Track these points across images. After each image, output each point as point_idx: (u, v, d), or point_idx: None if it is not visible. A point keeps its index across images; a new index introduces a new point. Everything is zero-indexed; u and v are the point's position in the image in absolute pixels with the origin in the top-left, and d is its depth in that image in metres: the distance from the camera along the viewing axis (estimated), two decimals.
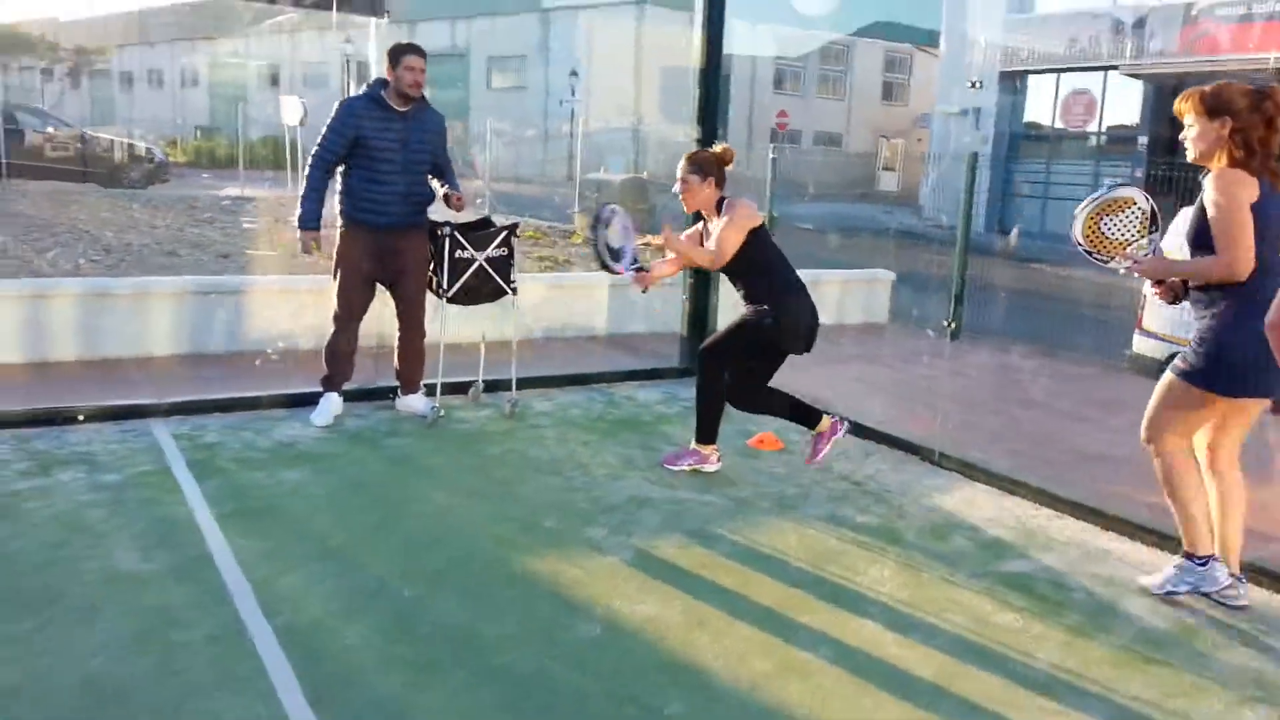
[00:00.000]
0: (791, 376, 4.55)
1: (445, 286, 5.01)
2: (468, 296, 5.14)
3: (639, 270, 4.46)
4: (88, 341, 6.02)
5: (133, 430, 4.67)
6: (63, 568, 3.25)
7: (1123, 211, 3.41)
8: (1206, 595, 3.43)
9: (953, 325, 6.06)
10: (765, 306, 4.29)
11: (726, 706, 2.72)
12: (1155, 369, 8.28)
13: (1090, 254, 3.45)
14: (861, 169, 35.79)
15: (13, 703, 2.54)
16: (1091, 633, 3.25)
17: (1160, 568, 3.75)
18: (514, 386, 5.43)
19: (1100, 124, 21.90)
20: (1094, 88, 21.68)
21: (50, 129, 18.10)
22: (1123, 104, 21.38)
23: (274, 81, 37.55)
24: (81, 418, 4.73)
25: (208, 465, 4.26)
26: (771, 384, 4.50)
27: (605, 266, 4.49)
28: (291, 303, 6.59)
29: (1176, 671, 3.03)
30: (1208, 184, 3.21)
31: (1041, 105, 23.10)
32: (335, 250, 4.92)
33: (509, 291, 5.22)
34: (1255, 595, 3.58)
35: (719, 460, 4.57)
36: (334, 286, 4.95)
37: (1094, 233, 3.44)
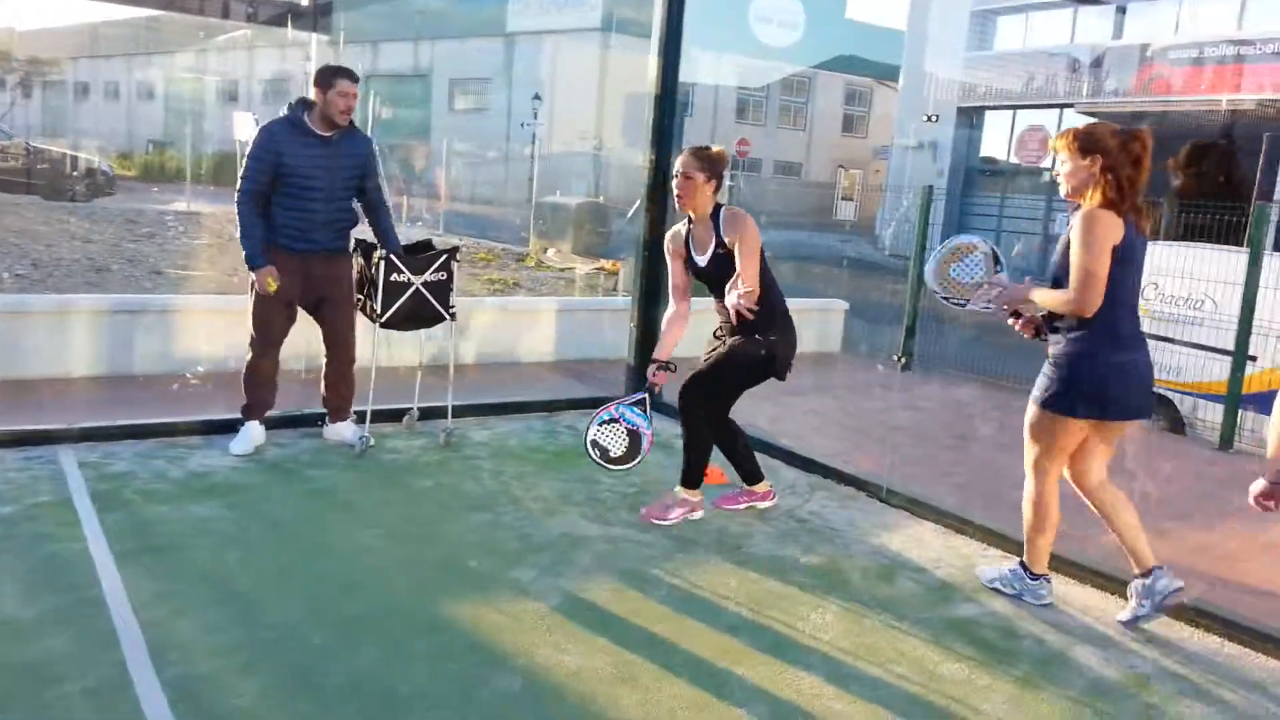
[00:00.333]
0: (744, 405, 4.38)
1: (380, 311, 4.79)
2: (404, 322, 4.92)
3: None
4: (3, 361, 5.70)
5: (38, 457, 4.38)
6: None
7: (967, 256, 3.70)
8: (1021, 599, 3.67)
9: (903, 358, 5.95)
10: (757, 334, 4.06)
11: None
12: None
13: (947, 299, 3.76)
14: (820, 198, 36.04)
15: None
16: (1040, 684, 3.09)
17: (1110, 612, 3.65)
18: (450, 415, 5.20)
19: (1054, 162, 22.20)
20: (1049, 125, 22.02)
21: None
22: None
23: (232, 97, 37.06)
24: None
25: (112, 497, 3.99)
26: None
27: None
28: (219, 323, 6.31)
29: None
30: (1076, 221, 3.34)
31: (997, 140, 23.43)
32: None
33: (447, 317, 5.01)
34: (1204, 642, 3.47)
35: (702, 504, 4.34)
36: (249, 309, 4.71)
37: (946, 279, 3.73)
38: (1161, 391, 7.57)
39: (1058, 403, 3.41)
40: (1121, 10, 21.90)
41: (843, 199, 36.42)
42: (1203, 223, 12.42)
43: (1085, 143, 3.34)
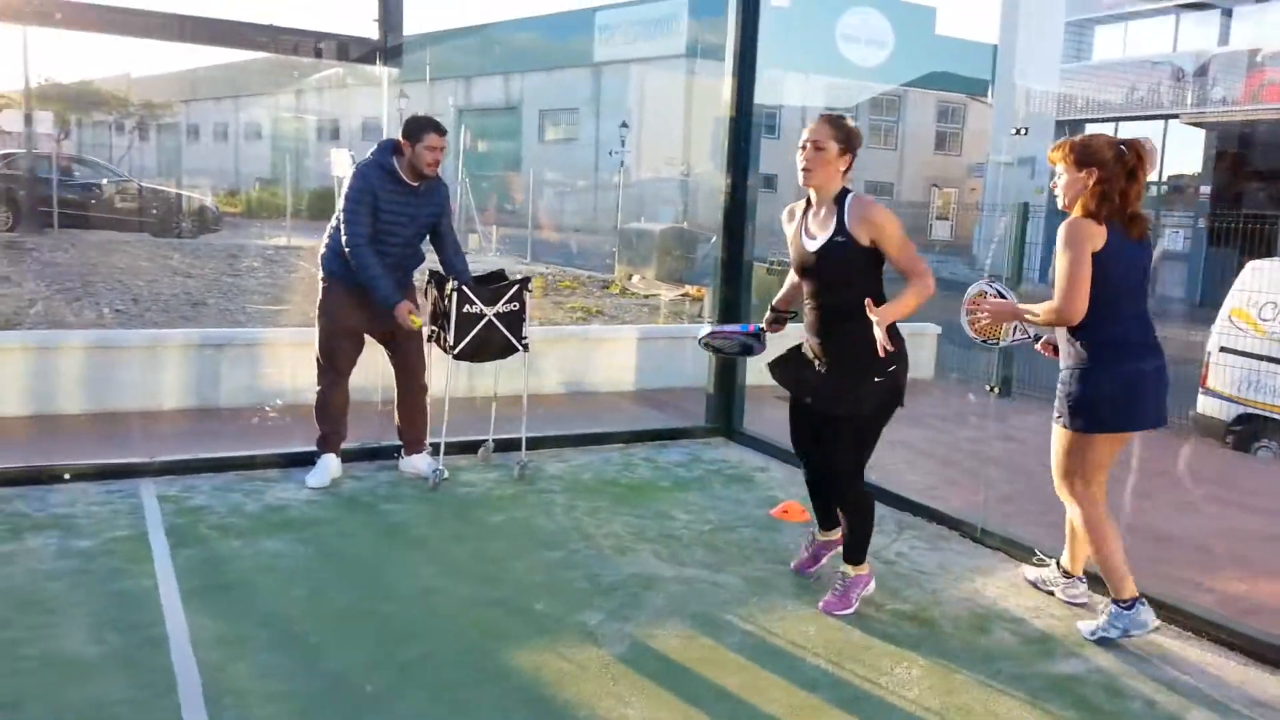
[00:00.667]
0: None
1: (452, 343, 4.75)
2: (476, 353, 4.87)
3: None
4: (94, 395, 5.86)
5: (120, 491, 4.44)
6: None
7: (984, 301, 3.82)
8: (1130, 635, 3.44)
9: (996, 386, 5.64)
10: (877, 370, 3.39)
11: None
12: (1221, 431, 7.77)
13: (985, 342, 3.93)
14: (914, 218, 35.26)
15: None
16: None
17: (1230, 671, 3.31)
18: (524, 446, 5.12)
19: (1161, 174, 21.26)
20: (1154, 136, 21.09)
21: (104, 180, 18.47)
22: (1184, 153, 20.76)
23: (335, 135, 38.36)
24: (67, 476, 4.51)
25: (187, 532, 4.00)
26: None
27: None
28: (304, 355, 6.36)
29: None
30: (1060, 232, 3.35)
31: None
32: (318, 303, 4.70)
33: (520, 348, 4.94)
34: None
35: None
36: (316, 341, 4.72)
37: (972, 326, 3.92)
38: None
39: (1081, 421, 3.40)
40: (1227, 14, 20.90)
41: (937, 218, 35.60)
42: None
43: (1082, 155, 3.35)
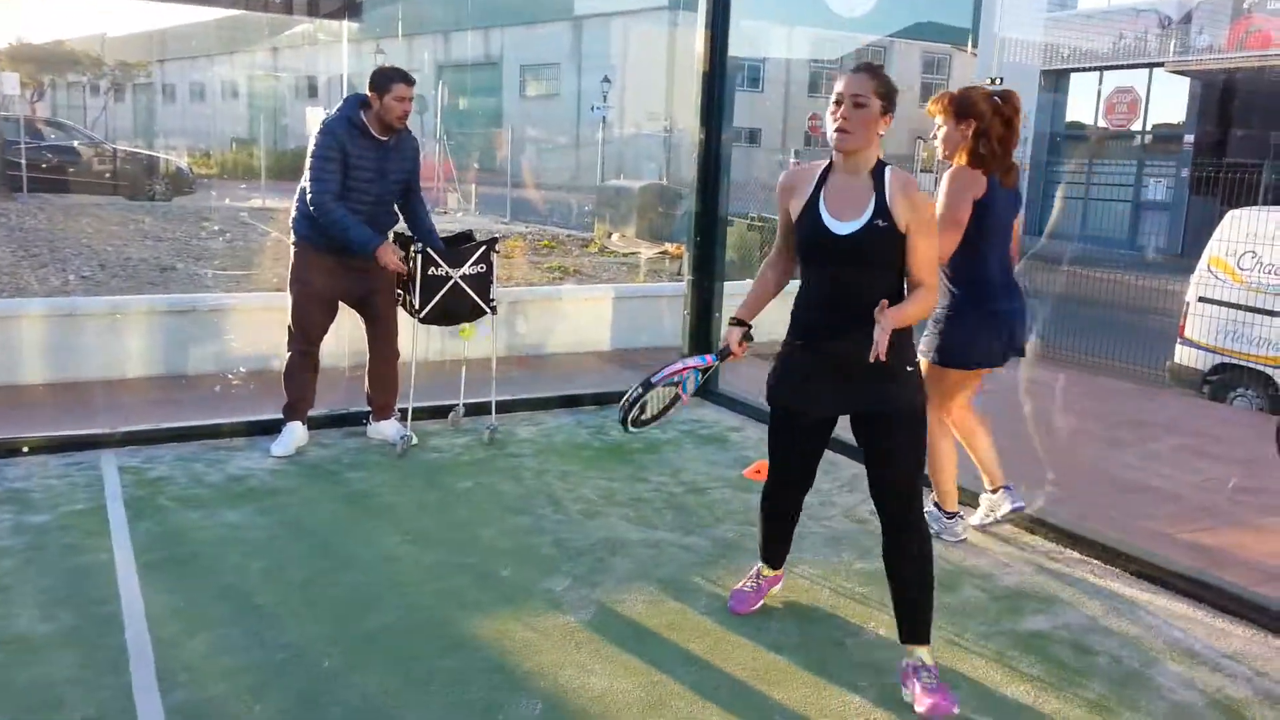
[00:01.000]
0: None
1: (418, 306, 4.65)
2: (442, 317, 4.78)
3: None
4: (57, 364, 5.75)
5: (80, 463, 4.36)
6: None
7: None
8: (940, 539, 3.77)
9: None
10: (909, 365, 2.87)
11: None
12: (1198, 381, 7.77)
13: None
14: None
15: None
16: (1115, 709, 2.79)
17: (1196, 619, 3.31)
18: (494, 411, 5.05)
19: (1145, 123, 21.13)
20: (1139, 86, 20.92)
21: (76, 143, 18.13)
22: (1168, 102, 20.61)
23: (312, 93, 37.72)
24: (26, 449, 4.43)
25: (146, 504, 3.93)
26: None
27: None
28: (273, 320, 6.26)
29: None
30: (944, 178, 3.56)
31: (1084, 104, 22.37)
32: (290, 268, 4.58)
33: (488, 310, 4.85)
34: None
35: None
36: (288, 306, 4.61)
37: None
38: (1259, 368, 7.03)
39: (938, 355, 3.67)
40: None
41: (921, 171, 35.41)
42: None
43: (960, 107, 3.51)
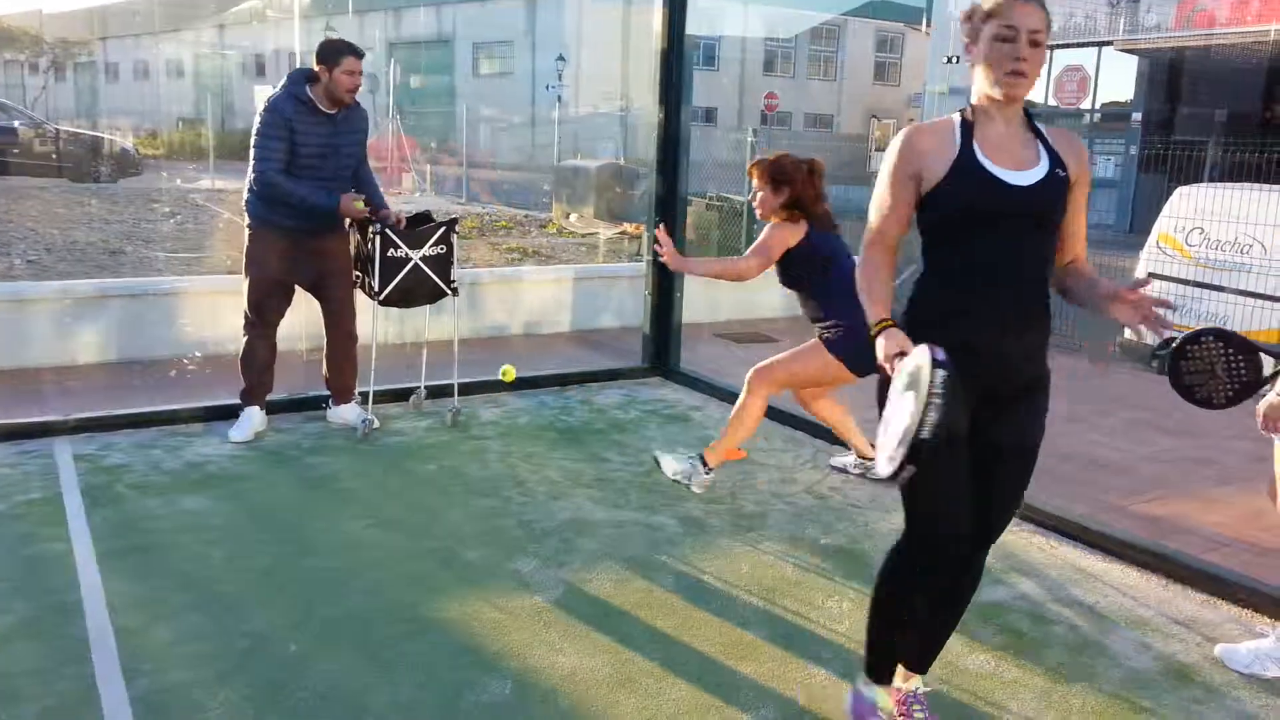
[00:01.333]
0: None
1: (377, 289, 4.60)
2: (403, 299, 4.73)
3: None
4: (5, 351, 5.60)
5: (32, 451, 4.27)
6: None
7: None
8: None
9: None
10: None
11: None
12: (1149, 356, 7.95)
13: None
14: (853, 151, 35.31)
15: None
16: (1073, 677, 2.86)
17: (1152, 593, 3.40)
18: (456, 393, 5.03)
19: (1094, 101, 21.44)
20: (1088, 64, 21.21)
21: (17, 124, 17.60)
22: (1117, 80, 20.93)
23: (260, 71, 36.98)
24: None
25: (104, 492, 3.86)
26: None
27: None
28: (228, 304, 6.16)
29: None
30: (767, 230, 4.04)
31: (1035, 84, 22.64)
32: (245, 251, 4.50)
33: (449, 292, 4.82)
34: (1251, 623, 3.20)
35: None
36: (244, 290, 4.54)
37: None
38: None
39: (857, 359, 3.89)
40: None
41: (876, 150, 35.65)
42: (1255, 162, 11.87)
43: (775, 175, 3.97)
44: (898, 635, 2.51)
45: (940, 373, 1.94)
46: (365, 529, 3.66)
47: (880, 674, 2.53)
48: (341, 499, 3.95)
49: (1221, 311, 7.04)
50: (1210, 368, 2.66)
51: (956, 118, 2.30)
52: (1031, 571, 3.53)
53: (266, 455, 4.36)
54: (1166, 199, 7.85)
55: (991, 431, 2.30)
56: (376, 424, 4.71)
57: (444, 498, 4.00)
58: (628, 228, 12.34)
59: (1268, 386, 2.68)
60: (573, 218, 13.54)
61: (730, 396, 4.48)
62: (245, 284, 4.53)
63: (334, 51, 4.31)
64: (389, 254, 4.59)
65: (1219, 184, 8.02)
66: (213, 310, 6.01)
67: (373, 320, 4.71)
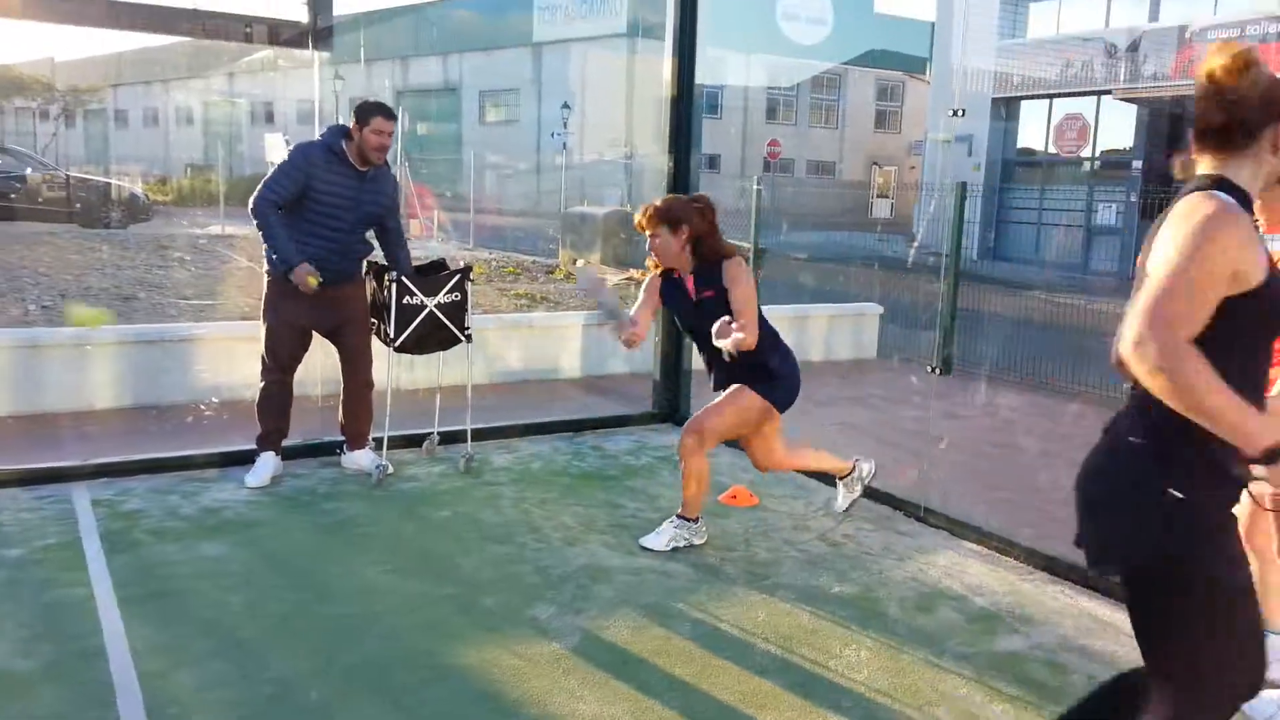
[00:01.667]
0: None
1: (393, 335, 4.67)
2: (418, 345, 4.79)
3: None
4: (21, 396, 5.66)
5: (50, 496, 4.31)
6: None
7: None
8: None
9: (938, 366, 5.70)
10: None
11: None
12: None
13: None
14: (855, 198, 35.64)
15: None
16: None
17: None
18: (469, 438, 5.06)
19: (1094, 149, 21.69)
20: (1087, 113, 21.49)
21: (28, 170, 17.83)
22: (1117, 128, 21.18)
23: (269, 119, 37.49)
24: None
25: (122, 537, 3.89)
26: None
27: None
28: (243, 350, 6.22)
29: None
30: (733, 269, 3.86)
31: (1035, 131, 22.91)
32: (264, 297, 4.58)
33: (463, 339, 4.88)
34: None
35: None
36: (262, 335, 4.61)
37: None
38: None
39: (785, 401, 3.96)
40: None
41: (878, 196, 35.99)
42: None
43: (670, 217, 3.86)
44: None
45: None
46: (382, 575, 3.68)
47: None
48: (357, 545, 3.98)
49: None
50: None
51: (1246, 213, 1.87)
52: (1047, 620, 3.53)
53: (283, 501, 4.39)
54: None
55: None
56: (391, 469, 4.74)
57: (459, 544, 4.02)
58: (634, 274, 12.45)
59: None
60: (580, 263, 13.66)
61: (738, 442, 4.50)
62: (263, 330, 4.60)
63: (366, 112, 4.44)
64: (405, 301, 4.66)
65: None
66: (229, 356, 6.07)
67: (388, 366, 4.76)
